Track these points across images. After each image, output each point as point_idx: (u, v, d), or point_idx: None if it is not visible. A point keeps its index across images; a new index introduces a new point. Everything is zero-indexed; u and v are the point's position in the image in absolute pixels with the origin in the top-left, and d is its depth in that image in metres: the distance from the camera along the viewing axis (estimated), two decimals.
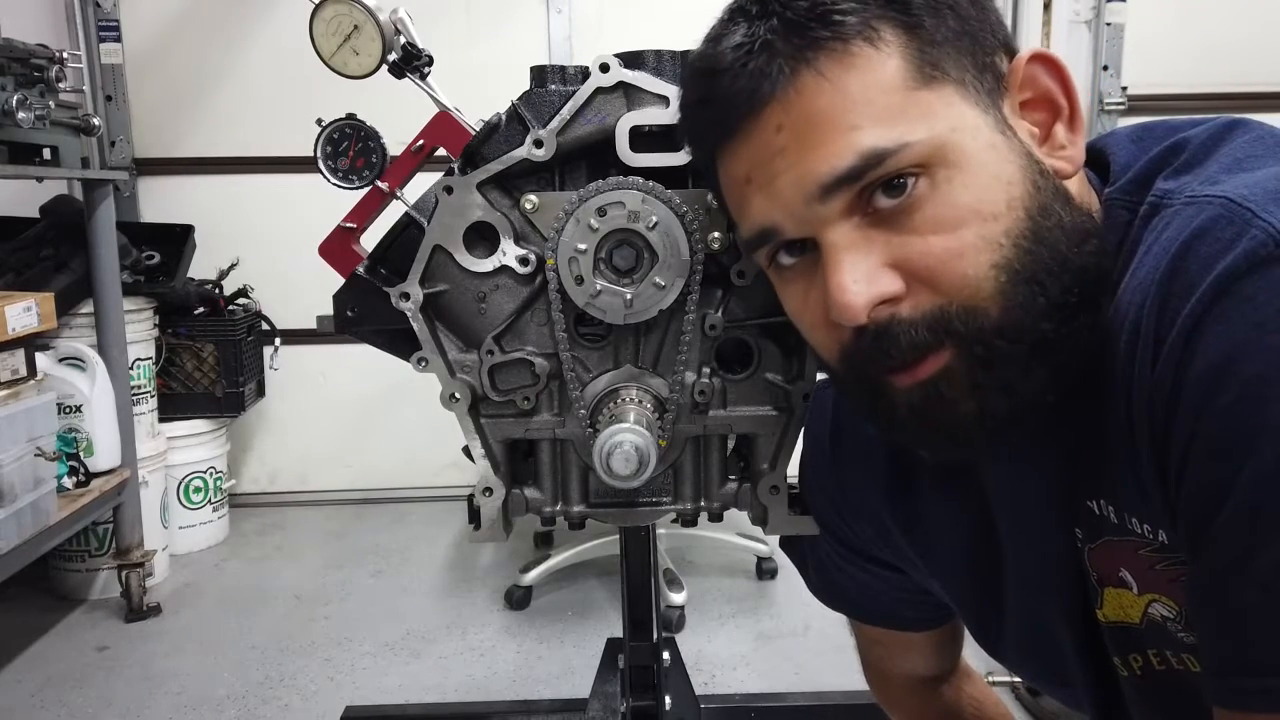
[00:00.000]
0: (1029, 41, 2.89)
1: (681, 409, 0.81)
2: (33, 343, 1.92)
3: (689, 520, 0.87)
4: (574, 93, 0.76)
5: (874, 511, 0.81)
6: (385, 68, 0.81)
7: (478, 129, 0.79)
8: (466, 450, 0.83)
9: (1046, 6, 2.94)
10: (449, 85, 0.82)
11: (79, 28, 2.93)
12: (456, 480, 3.11)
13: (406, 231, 0.81)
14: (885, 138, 0.54)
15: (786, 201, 0.57)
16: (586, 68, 0.77)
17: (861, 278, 0.56)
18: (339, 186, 0.82)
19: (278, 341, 2.92)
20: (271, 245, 2.88)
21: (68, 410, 2.16)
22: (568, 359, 0.79)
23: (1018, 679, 1.73)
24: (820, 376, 0.79)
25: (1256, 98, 2.96)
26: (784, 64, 0.55)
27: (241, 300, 2.86)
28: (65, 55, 2.02)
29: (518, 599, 2.33)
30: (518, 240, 0.79)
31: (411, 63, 0.82)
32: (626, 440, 0.72)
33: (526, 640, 2.17)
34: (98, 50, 2.95)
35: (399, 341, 0.83)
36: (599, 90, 0.76)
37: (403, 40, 0.82)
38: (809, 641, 2.15)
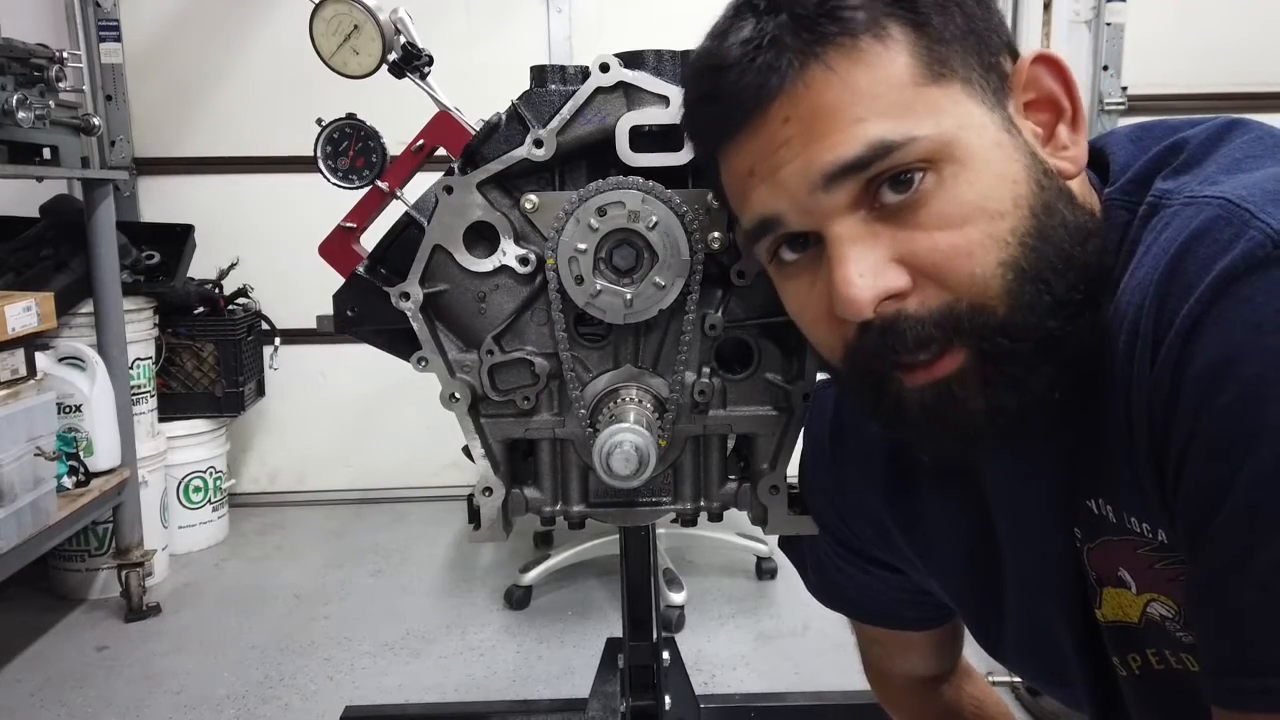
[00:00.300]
0: (1029, 41, 2.89)
1: (681, 409, 0.81)
2: (32, 342, 1.92)
3: (689, 520, 0.87)
4: (574, 92, 0.76)
5: (873, 512, 0.81)
6: (385, 67, 0.81)
7: (478, 129, 0.79)
8: (466, 450, 0.83)
9: (1046, 6, 2.94)
10: (449, 85, 0.82)
11: (79, 27, 2.93)
12: (456, 480, 3.11)
13: (406, 231, 0.81)
14: (893, 130, 0.54)
15: (791, 191, 0.57)
16: (586, 68, 0.76)
17: (868, 271, 0.56)
18: (339, 186, 0.82)
19: (278, 341, 2.92)
20: (271, 245, 2.88)
21: (68, 410, 2.16)
22: (568, 359, 0.79)
23: (1018, 679, 1.73)
24: (821, 376, 0.80)
25: (1256, 98, 2.97)
26: (793, 58, 0.55)
27: (241, 300, 2.86)
28: (65, 55, 2.03)
29: (517, 599, 2.33)
30: (518, 240, 0.79)
31: (411, 62, 0.82)
32: (626, 440, 0.72)
33: (526, 640, 2.17)
34: (98, 50, 2.95)
35: (399, 341, 0.83)
36: (599, 90, 0.76)
37: (403, 40, 0.82)
38: (809, 641, 2.15)
